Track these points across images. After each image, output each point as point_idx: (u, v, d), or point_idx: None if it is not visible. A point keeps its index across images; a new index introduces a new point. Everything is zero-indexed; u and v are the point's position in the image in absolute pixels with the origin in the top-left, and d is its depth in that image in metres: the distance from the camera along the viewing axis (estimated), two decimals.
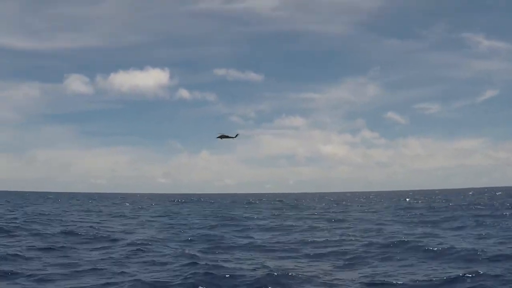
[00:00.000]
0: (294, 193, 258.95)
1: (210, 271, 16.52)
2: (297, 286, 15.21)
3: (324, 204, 78.83)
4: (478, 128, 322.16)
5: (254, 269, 17.27)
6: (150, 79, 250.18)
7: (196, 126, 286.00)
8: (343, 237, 26.96)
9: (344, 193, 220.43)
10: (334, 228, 33.20)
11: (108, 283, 15.38)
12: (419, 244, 22.45)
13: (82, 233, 27.75)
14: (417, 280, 15.60)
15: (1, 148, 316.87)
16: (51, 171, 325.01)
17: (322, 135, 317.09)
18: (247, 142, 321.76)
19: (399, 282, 15.32)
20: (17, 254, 19.87)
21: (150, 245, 23.39)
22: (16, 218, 37.40)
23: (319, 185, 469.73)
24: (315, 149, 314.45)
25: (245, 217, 45.65)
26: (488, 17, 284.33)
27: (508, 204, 54.00)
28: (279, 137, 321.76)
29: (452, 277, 15.62)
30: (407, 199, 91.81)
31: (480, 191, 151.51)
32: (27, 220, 36.48)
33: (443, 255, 19.71)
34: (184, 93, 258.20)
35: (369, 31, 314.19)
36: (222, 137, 49.46)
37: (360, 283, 15.53)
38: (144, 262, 19.03)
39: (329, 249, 22.45)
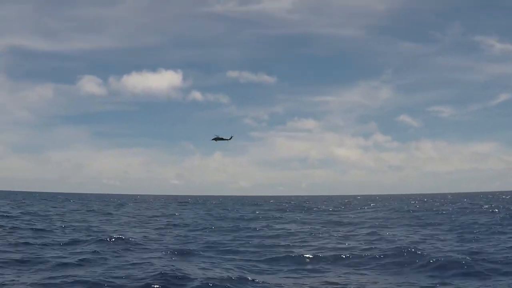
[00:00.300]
0: (306, 196, 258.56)
1: None
2: None
3: (324, 207, 78.55)
4: (492, 132, 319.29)
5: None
6: (163, 81, 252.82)
7: (209, 128, 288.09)
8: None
9: (355, 196, 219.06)
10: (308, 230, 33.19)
11: None
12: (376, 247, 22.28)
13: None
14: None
15: (16, 148, 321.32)
16: (64, 172, 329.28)
17: (335, 138, 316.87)
18: (261, 144, 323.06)
19: None
20: None
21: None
22: None
23: (332, 188, 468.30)
24: (327, 152, 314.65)
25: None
26: (501, 20, 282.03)
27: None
28: (292, 139, 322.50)
29: None
30: (412, 202, 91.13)
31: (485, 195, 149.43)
32: None
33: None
34: (197, 95, 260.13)
35: (383, 34, 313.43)
36: (216, 139, 50.05)
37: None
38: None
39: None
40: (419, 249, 21.03)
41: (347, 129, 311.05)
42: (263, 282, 15.81)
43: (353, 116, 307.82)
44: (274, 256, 20.89)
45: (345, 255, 20.66)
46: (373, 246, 23.11)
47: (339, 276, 17.04)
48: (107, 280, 15.43)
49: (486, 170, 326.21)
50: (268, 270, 18.11)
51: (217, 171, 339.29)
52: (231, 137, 48.86)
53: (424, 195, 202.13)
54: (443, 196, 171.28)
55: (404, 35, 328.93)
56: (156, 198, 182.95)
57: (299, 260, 19.94)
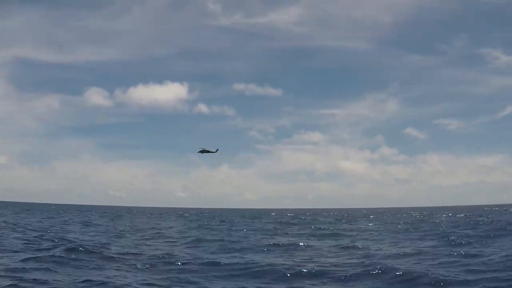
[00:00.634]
0: (312, 209, 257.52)
1: None
2: None
3: (323, 219, 78.07)
4: (498, 144, 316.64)
5: None
6: (169, 93, 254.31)
7: (215, 140, 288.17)
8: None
9: (360, 209, 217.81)
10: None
11: None
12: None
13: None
14: None
15: (22, 159, 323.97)
16: (70, 183, 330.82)
17: (341, 151, 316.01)
18: (267, 157, 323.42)
19: None
20: None
21: None
22: None
23: (338, 201, 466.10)
24: (334, 165, 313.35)
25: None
26: (506, 33, 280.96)
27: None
28: (298, 152, 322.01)
29: None
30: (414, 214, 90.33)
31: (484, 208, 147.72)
32: None
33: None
34: (202, 108, 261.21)
35: (389, 47, 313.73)
36: (203, 151, 50.10)
37: None
38: None
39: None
40: (384, 263, 20.81)
41: (354, 142, 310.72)
42: None
43: (359, 129, 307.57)
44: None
45: (303, 269, 20.39)
46: (341, 260, 22.93)
47: None
48: None
49: (493, 183, 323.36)
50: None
51: (223, 183, 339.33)
52: (217, 150, 48.93)
53: (431, 208, 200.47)
54: (450, 209, 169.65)
55: (410, 47, 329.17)
56: (156, 210, 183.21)
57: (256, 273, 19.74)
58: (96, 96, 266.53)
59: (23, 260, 20.38)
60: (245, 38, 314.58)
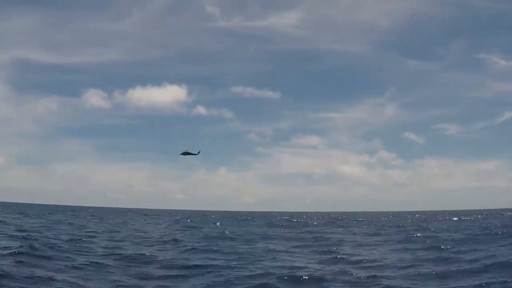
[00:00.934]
0: (309, 212, 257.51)
1: None
2: None
3: (309, 221, 78.18)
4: (497, 150, 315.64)
5: None
6: (168, 95, 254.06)
7: (214, 143, 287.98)
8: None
9: (358, 213, 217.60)
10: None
11: None
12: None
13: None
14: None
15: (21, 160, 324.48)
16: (69, 184, 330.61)
17: (340, 155, 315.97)
18: (265, 160, 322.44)
19: None
20: None
21: None
22: None
23: (336, 205, 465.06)
24: (332, 169, 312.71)
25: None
26: (504, 38, 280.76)
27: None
28: (296, 156, 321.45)
29: None
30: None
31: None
32: None
33: None
34: (201, 110, 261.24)
35: (388, 51, 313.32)
36: (185, 154, 50.44)
37: None
38: None
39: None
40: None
41: (352, 146, 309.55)
42: None
43: (357, 133, 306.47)
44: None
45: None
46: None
47: None
48: None
49: (491, 187, 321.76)
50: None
51: (221, 186, 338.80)
52: (199, 152, 49.24)
53: (428, 212, 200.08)
54: (446, 213, 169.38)
55: (409, 52, 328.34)
56: (155, 212, 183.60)
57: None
58: (94, 98, 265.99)
59: None
60: (244, 41, 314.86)
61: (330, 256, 26.19)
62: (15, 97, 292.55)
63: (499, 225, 51.68)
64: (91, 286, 17.08)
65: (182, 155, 49.72)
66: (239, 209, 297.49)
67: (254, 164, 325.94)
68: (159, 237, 39.09)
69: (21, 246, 23.69)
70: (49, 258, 22.15)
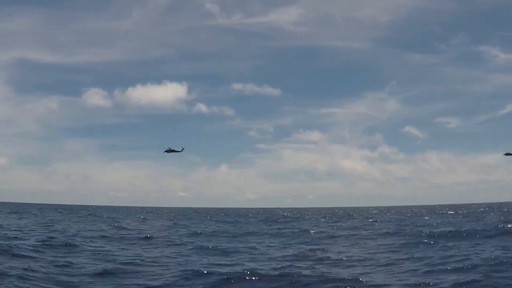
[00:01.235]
0: (314, 208, 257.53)
1: None
2: None
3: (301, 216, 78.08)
4: (499, 143, 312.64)
5: None
6: (168, 93, 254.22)
7: (215, 140, 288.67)
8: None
9: (360, 208, 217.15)
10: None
11: None
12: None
13: None
14: None
15: (23, 161, 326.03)
16: (71, 184, 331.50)
17: (341, 150, 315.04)
18: (267, 157, 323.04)
19: None
20: None
21: None
22: None
23: (339, 200, 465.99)
24: (334, 164, 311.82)
25: None
26: (503, 31, 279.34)
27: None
28: (298, 151, 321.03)
29: None
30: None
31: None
32: None
33: None
34: (202, 107, 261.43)
35: (388, 46, 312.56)
36: (169, 151, 50.66)
37: None
38: None
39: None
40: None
41: (353, 141, 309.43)
42: None
43: (359, 128, 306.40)
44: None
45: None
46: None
47: None
48: None
49: (494, 181, 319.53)
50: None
51: (224, 183, 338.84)
52: (183, 149, 49.67)
53: (431, 207, 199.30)
54: (447, 207, 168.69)
55: (409, 46, 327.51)
56: (158, 210, 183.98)
57: None
58: (95, 97, 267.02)
59: None
60: (245, 38, 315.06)
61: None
62: (16, 97, 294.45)
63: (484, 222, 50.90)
64: None
65: (166, 152, 49.96)
66: (244, 205, 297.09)
67: (256, 160, 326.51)
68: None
69: None
70: None
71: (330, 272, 18.70)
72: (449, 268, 19.13)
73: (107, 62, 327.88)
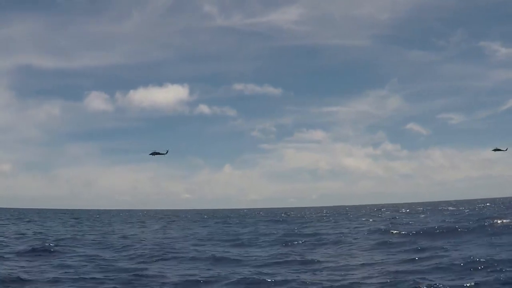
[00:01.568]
0: (316, 207, 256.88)
1: None
2: None
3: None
4: (501, 138, 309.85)
5: None
6: (170, 95, 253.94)
7: (217, 141, 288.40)
8: None
9: (364, 206, 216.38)
10: None
11: None
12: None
13: None
14: None
15: (25, 166, 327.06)
16: (74, 188, 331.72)
17: (344, 148, 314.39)
18: (269, 157, 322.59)
19: None
20: None
21: None
22: None
23: (343, 199, 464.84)
24: (337, 163, 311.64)
25: None
26: (503, 25, 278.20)
27: None
28: (301, 151, 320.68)
29: None
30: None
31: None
32: None
33: None
34: (204, 109, 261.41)
35: (388, 44, 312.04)
36: (154, 154, 50.96)
37: None
38: None
39: None
40: None
41: (356, 139, 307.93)
42: None
43: (361, 126, 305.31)
44: None
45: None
46: None
47: None
48: None
49: (496, 176, 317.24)
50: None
51: (227, 184, 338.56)
52: (167, 152, 50.06)
53: (434, 203, 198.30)
54: (449, 203, 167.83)
55: (409, 43, 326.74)
56: (160, 212, 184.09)
57: None
58: (96, 101, 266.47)
59: None
60: (245, 38, 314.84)
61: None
62: (18, 103, 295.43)
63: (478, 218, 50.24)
64: None
65: (152, 155, 50.23)
66: (245, 206, 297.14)
67: (259, 161, 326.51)
68: None
69: None
70: None
71: None
72: None
73: (108, 66, 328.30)
